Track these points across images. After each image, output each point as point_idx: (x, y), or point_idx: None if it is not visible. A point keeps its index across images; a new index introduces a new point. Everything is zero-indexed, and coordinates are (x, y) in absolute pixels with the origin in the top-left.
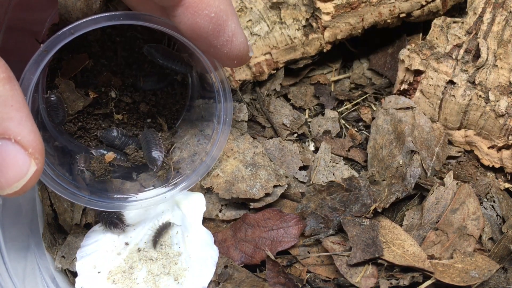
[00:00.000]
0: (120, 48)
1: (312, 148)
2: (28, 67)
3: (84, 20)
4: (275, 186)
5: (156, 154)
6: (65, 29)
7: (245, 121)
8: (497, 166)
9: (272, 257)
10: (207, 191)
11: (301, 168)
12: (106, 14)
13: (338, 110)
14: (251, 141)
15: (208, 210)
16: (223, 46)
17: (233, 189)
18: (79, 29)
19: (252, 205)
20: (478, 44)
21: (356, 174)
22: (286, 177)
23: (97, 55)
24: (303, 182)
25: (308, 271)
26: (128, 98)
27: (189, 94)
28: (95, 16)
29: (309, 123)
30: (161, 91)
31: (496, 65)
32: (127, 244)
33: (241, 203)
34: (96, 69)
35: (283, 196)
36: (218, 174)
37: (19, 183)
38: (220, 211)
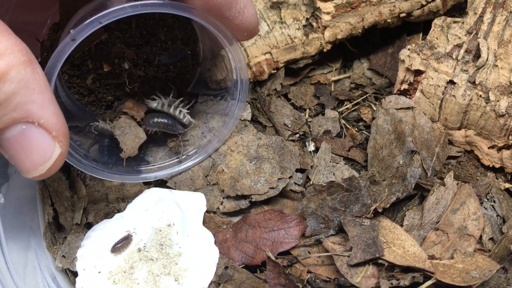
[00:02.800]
0: (134, 20)
1: (312, 148)
2: (55, 54)
3: (112, 9)
4: (279, 179)
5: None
6: (93, 18)
7: (248, 120)
8: (497, 166)
9: (273, 258)
10: (209, 184)
11: (297, 170)
12: (131, 4)
13: (338, 110)
14: (255, 133)
15: (209, 203)
16: (235, 18)
17: (238, 185)
18: (107, 18)
19: (254, 197)
20: (478, 44)
21: (356, 174)
22: (290, 169)
23: (111, 27)
24: (298, 184)
25: (309, 271)
26: (141, 71)
27: (199, 62)
28: (121, 6)
29: (309, 123)
30: (174, 65)
31: (497, 65)
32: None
33: (243, 195)
34: (110, 41)
35: (284, 192)
36: (223, 170)
37: (44, 166)
38: (221, 204)
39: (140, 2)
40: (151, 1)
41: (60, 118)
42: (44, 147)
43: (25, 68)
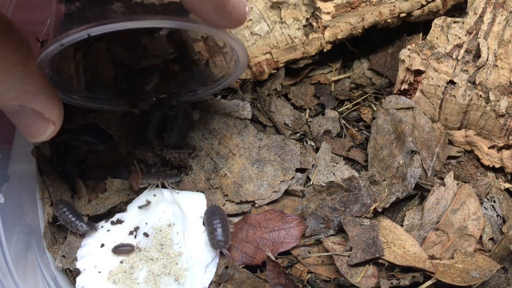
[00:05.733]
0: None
1: (312, 148)
2: (47, 47)
3: (112, 24)
4: (281, 181)
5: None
6: (83, 28)
7: (248, 119)
8: (497, 166)
9: (273, 258)
10: (211, 187)
11: (298, 170)
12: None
13: (339, 110)
14: (255, 133)
15: (211, 203)
16: (225, 4)
17: (241, 191)
18: (98, 29)
19: (258, 202)
20: (478, 44)
21: (356, 174)
22: (291, 170)
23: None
24: (299, 184)
25: (309, 271)
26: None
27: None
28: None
29: (309, 123)
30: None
31: (497, 65)
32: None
33: (246, 201)
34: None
35: (285, 192)
36: (225, 174)
37: (42, 137)
38: (223, 205)
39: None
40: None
41: (53, 102)
42: (38, 125)
43: (16, 65)
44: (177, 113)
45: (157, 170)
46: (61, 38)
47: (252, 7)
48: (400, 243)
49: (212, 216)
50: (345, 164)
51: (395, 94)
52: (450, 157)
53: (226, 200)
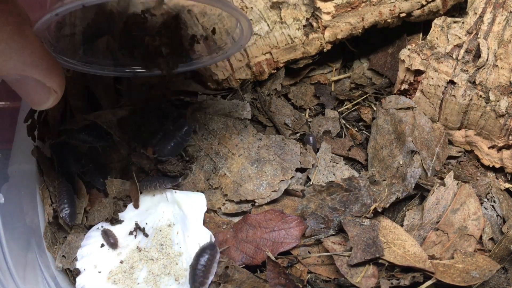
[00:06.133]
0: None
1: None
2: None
3: None
4: (281, 181)
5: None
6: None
7: (248, 119)
8: (497, 166)
9: (273, 258)
10: (211, 187)
11: (298, 170)
12: None
13: (339, 110)
14: (254, 133)
15: (211, 203)
16: None
17: (241, 190)
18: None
19: (257, 202)
20: (478, 44)
21: (356, 174)
22: (291, 170)
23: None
24: (299, 184)
25: (309, 271)
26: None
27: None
28: None
29: (309, 123)
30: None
31: (497, 65)
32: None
33: (246, 200)
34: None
35: (285, 192)
36: (225, 174)
37: (45, 105)
38: (223, 205)
39: None
40: None
41: (53, 71)
42: (40, 94)
43: (13, 37)
44: (179, 128)
45: (153, 177)
46: (55, 8)
47: (252, 7)
48: (400, 243)
49: (202, 252)
50: (345, 164)
51: (395, 94)
52: (450, 157)
53: (225, 200)
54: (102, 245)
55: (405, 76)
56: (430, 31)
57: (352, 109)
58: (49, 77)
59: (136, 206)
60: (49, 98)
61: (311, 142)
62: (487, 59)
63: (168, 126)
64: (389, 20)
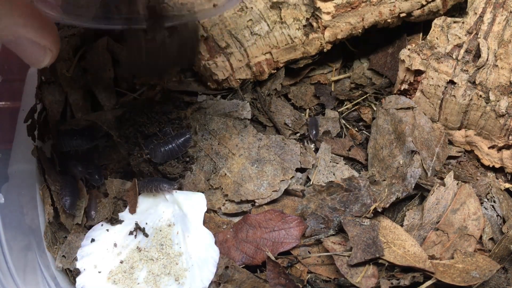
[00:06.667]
0: None
1: (312, 148)
2: None
3: None
4: (281, 181)
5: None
6: None
7: (248, 119)
8: (497, 166)
9: (273, 258)
10: (211, 188)
11: (298, 170)
12: None
13: (339, 110)
14: (254, 133)
15: (211, 203)
16: None
17: (241, 190)
18: None
19: (258, 202)
20: (478, 44)
21: (356, 174)
22: (291, 170)
23: None
24: (299, 184)
25: (309, 271)
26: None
27: None
28: None
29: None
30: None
31: (497, 65)
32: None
33: (246, 200)
34: None
35: (285, 192)
36: (225, 174)
37: (43, 64)
38: (223, 205)
39: None
40: None
41: (45, 30)
42: (36, 54)
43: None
44: (179, 136)
45: (150, 179)
46: None
47: (252, 7)
48: (400, 243)
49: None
50: (345, 164)
51: (395, 94)
52: (450, 157)
53: (226, 200)
54: (102, 246)
55: (405, 76)
56: (430, 31)
57: (352, 109)
58: (41, 36)
59: (132, 211)
60: (45, 57)
61: (315, 123)
62: (487, 59)
63: (166, 129)
64: (389, 20)
